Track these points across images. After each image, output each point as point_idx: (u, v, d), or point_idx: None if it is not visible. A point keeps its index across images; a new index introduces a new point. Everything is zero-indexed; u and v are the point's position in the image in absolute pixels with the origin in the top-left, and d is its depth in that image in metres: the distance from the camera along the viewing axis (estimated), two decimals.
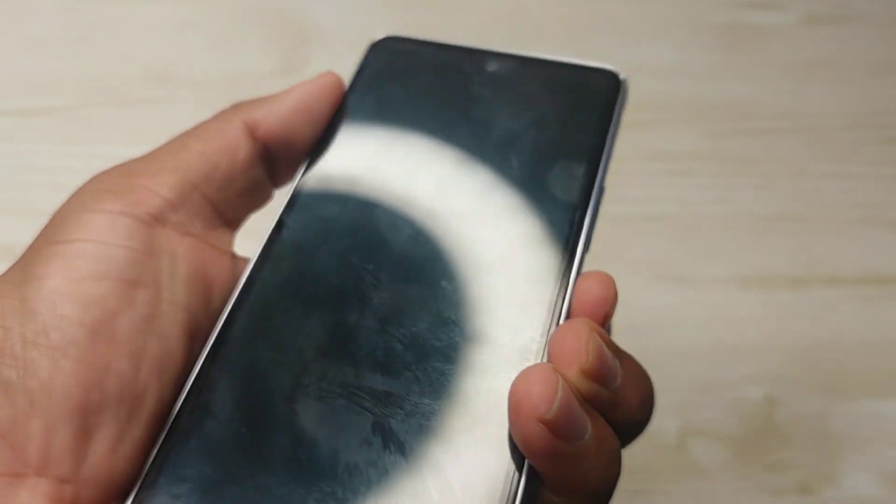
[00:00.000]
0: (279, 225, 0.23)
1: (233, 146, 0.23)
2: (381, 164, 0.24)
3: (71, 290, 0.19)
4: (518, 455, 0.19)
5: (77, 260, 0.19)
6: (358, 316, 0.21)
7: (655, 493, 0.38)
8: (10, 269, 0.20)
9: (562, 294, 0.21)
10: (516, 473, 0.18)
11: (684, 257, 0.45)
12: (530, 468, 0.19)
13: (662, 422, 0.40)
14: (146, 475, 0.19)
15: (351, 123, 0.25)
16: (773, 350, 0.42)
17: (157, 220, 0.21)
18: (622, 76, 0.26)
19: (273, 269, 0.22)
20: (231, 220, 0.24)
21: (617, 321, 0.44)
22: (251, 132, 0.24)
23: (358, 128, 0.25)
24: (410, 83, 0.26)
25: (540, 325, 0.21)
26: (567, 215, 0.23)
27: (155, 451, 0.19)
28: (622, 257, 0.45)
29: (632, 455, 0.40)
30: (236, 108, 0.24)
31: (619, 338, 0.42)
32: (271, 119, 0.24)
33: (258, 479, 0.18)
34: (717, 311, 0.43)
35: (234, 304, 0.21)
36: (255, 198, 0.24)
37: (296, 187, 0.24)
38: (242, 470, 0.18)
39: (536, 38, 0.53)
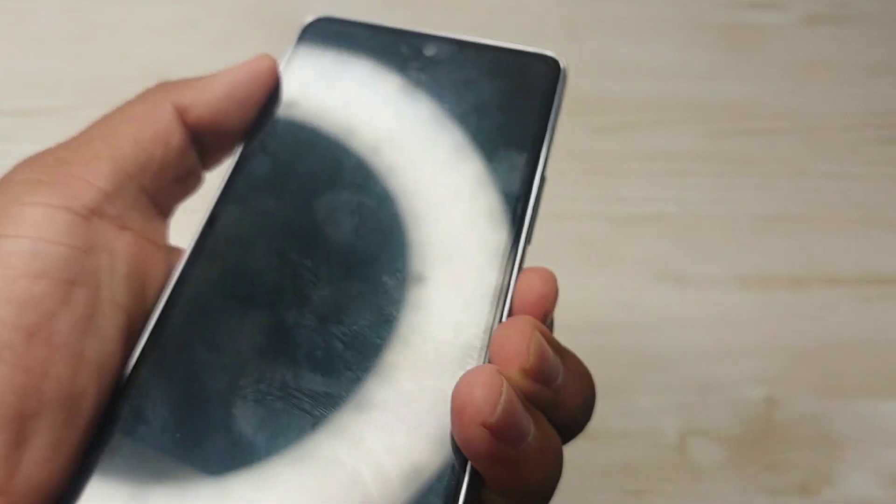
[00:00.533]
0: (212, 218, 0.22)
1: (166, 134, 0.22)
2: (315, 152, 0.23)
3: (5, 291, 0.18)
4: (461, 455, 0.18)
5: (11, 257, 0.18)
6: (295, 313, 0.20)
7: (655, 493, 0.38)
8: None
9: (504, 290, 0.21)
10: (459, 473, 0.18)
11: (684, 257, 0.45)
12: (473, 468, 0.18)
13: (662, 422, 0.40)
14: (79, 485, 0.18)
15: (285, 108, 0.24)
16: (773, 350, 0.42)
17: (94, 213, 0.20)
18: (562, 63, 0.25)
19: (207, 264, 0.21)
20: (164, 209, 0.23)
21: (617, 321, 0.44)
22: (181, 117, 0.22)
23: (292, 113, 0.24)
24: (346, 67, 0.25)
25: (483, 321, 0.20)
26: (509, 208, 0.22)
27: (88, 460, 0.18)
28: (622, 257, 0.45)
29: (632, 455, 0.40)
30: (164, 88, 0.23)
31: (619, 337, 0.42)
32: (201, 105, 0.23)
33: (193, 485, 0.18)
34: (717, 311, 0.43)
35: (168, 301, 0.21)
36: (187, 185, 0.23)
37: (228, 178, 0.23)
38: (177, 476, 0.18)
39: (537, 38, 0.53)
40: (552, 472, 0.19)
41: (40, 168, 0.20)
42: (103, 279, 0.19)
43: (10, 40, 0.52)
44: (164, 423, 0.19)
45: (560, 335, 0.44)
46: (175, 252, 0.22)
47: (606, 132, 0.50)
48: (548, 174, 0.24)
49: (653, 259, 0.45)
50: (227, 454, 0.18)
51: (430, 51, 0.26)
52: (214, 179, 0.24)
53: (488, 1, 0.56)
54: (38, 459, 0.17)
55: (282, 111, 0.24)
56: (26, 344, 0.18)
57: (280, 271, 0.21)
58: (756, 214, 0.47)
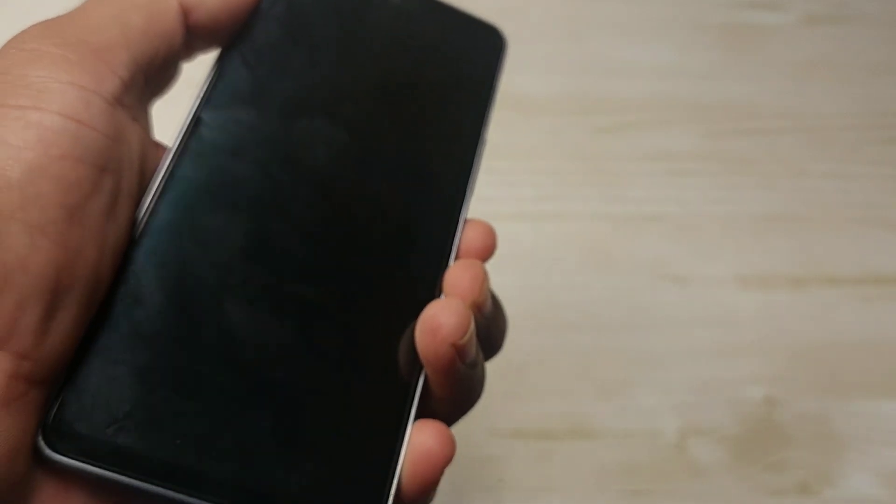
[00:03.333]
0: (196, 121, 0.23)
1: (171, 31, 0.22)
2: (288, 69, 0.25)
3: (50, 169, 0.18)
4: (418, 368, 0.22)
5: (56, 136, 0.19)
6: (275, 224, 0.22)
7: (655, 493, 0.38)
8: None
9: (452, 237, 0.24)
10: (415, 383, 0.22)
11: (684, 257, 0.45)
12: (425, 381, 0.22)
13: (662, 422, 0.40)
14: (82, 357, 0.19)
15: (262, 31, 0.25)
16: (773, 350, 0.42)
17: (118, 101, 0.20)
18: (504, 36, 0.28)
19: (193, 166, 0.22)
20: (150, 105, 0.23)
21: (617, 321, 0.44)
22: (184, 18, 0.23)
23: (271, 28, 0.25)
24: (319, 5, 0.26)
25: (436, 264, 0.23)
26: (456, 165, 0.25)
27: (90, 334, 0.19)
28: (622, 257, 0.45)
29: (632, 455, 0.40)
30: None
31: (619, 337, 0.42)
32: (203, 9, 0.23)
33: (186, 368, 0.19)
34: (717, 311, 0.43)
35: (157, 195, 0.21)
36: (170, 82, 0.24)
37: (210, 83, 0.24)
38: (171, 359, 0.19)
39: (537, 37, 0.53)
40: (480, 388, 0.23)
41: (63, 43, 0.20)
42: (124, 169, 0.20)
43: None
44: (158, 309, 0.20)
45: (560, 335, 0.44)
46: (160, 148, 0.23)
47: (606, 132, 0.50)
48: (488, 146, 0.26)
49: (653, 259, 0.45)
50: (214, 343, 0.20)
51: (392, 4, 0.27)
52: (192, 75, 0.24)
53: (489, 1, 0.56)
54: (63, 332, 0.18)
55: (263, 24, 0.25)
56: (66, 223, 0.18)
57: (261, 183, 0.22)
58: (756, 214, 0.47)
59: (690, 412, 0.40)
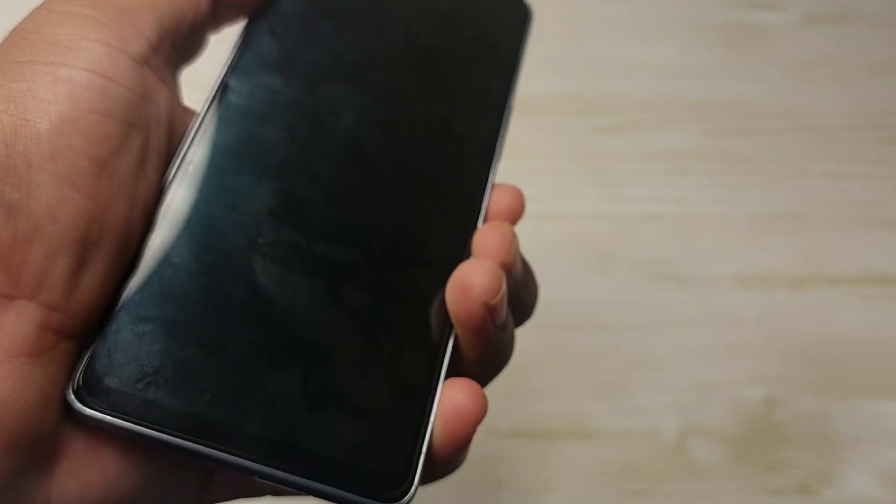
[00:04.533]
0: (224, 87, 0.23)
1: (199, 2, 0.22)
2: (315, 39, 0.25)
3: (79, 122, 0.18)
4: (449, 326, 0.22)
5: (84, 91, 0.19)
6: (304, 186, 0.22)
7: (655, 493, 0.38)
8: None
9: (480, 200, 0.24)
10: (446, 342, 0.22)
11: (684, 257, 0.45)
12: (455, 339, 0.22)
13: (662, 422, 0.40)
14: (112, 312, 0.19)
15: (288, 1, 0.25)
16: (773, 350, 0.42)
17: (145, 62, 0.20)
18: (530, 7, 0.28)
19: (222, 129, 0.22)
20: (178, 71, 0.23)
21: (617, 321, 0.44)
22: None
23: (293, 11, 0.25)
24: None
25: (465, 226, 0.23)
26: (484, 130, 0.25)
27: (120, 290, 0.20)
28: (622, 257, 0.45)
29: (632, 455, 0.40)
30: None
31: (619, 338, 0.42)
32: None
33: (216, 325, 0.20)
34: (717, 311, 0.43)
35: (186, 156, 0.22)
36: (198, 51, 0.24)
37: (237, 51, 0.24)
38: (201, 315, 0.20)
39: (536, 37, 0.53)
40: (510, 351, 0.23)
41: (92, 4, 0.20)
42: (152, 128, 0.20)
43: None
44: (187, 268, 0.20)
45: (560, 335, 0.44)
46: (188, 113, 0.23)
47: (607, 132, 0.50)
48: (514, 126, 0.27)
49: (653, 259, 0.45)
50: (244, 302, 0.20)
51: None
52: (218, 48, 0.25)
53: None
54: (93, 285, 0.18)
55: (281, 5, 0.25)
56: (96, 176, 0.18)
57: (287, 143, 0.23)
58: (756, 214, 0.47)
59: (690, 412, 0.40)
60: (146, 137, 0.20)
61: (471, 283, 0.21)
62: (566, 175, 0.48)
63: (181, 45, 0.22)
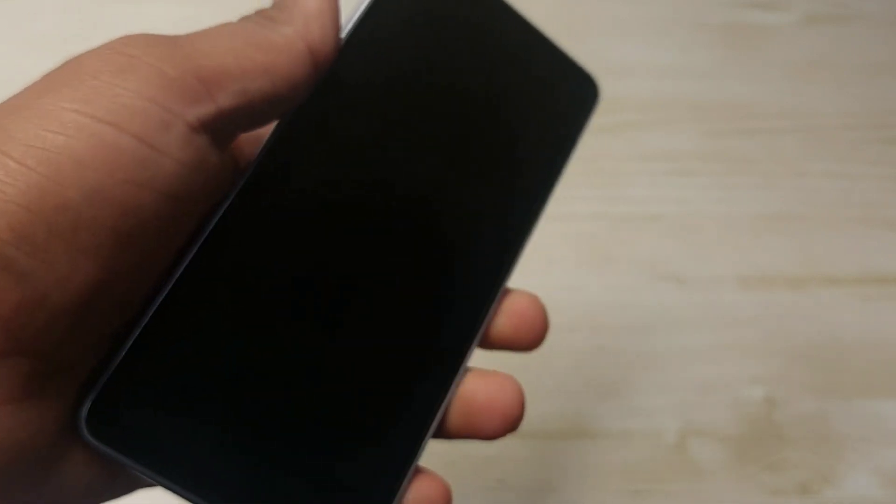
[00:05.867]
0: (268, 151, 0.22)
1: (297, 77, 0.21)
2: (374, 99, 0.24)
3: (113, 193, 0.18)
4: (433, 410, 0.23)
5: (129, 161, 0.18)
6: (321, 246, 0.22)
7: (655, 493, 0.38)
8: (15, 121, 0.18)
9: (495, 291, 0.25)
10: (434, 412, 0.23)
11: (684, 257, 0.45)
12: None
13: (662, 422, 0.40)
14: (126, 346, 0.19)
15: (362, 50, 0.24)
16: (773, 350, 0.42)
17: (204, 128, 0.19)
18: (599, 85, 0.29)
19: (262, 197, 0.21)
20: (240, 133, 0.21)
21: (617, 321, 0.44)
22: (313, 58, 0.21)
23: (364, 58, 0.24)
24: (420, 18, 0.25)
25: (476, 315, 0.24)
26: (523, 207, 0.26)
27: (136, 327, 0.19)
28: (622, 257, 0.45)
29: (632, 455, 0.40)
30: (292, 19, 0.21)
31: (619, 337, 0.42)
32: (327, 47, 0.21)
33: (226, 378, 0.20)
34: (717, 311, 0.43)
35: (223, 211, 0.21)
36: (271, 121, 0.22)
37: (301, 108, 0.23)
38: (212, 366, 0.20)
39: None
40: None
41: (166, 57, 0.19)
42: (194, 195, 0.19)
43: (11, 40, 0.52)
44: (205, 315, 0.20)
45: (560, 335, 0.44)
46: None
47: (607, 132, 0.50)
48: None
49: (653, 259, 0.45)
50: (257, 358, 0.21)
51: (501, 23, 0.26)
52: None
53: None
54: (88, 343, 0.19)
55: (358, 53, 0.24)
56: (115, 247, 0.18)
57: (326, 220, 0.22)
58: (756, 214, 0.47)
59: (690, 412, 0.40)
60: (184, 206, 0.19)
61: (499, 404, 0.23)
62: (566, 175, 0.48)
63: (259, 116, 0.21)
